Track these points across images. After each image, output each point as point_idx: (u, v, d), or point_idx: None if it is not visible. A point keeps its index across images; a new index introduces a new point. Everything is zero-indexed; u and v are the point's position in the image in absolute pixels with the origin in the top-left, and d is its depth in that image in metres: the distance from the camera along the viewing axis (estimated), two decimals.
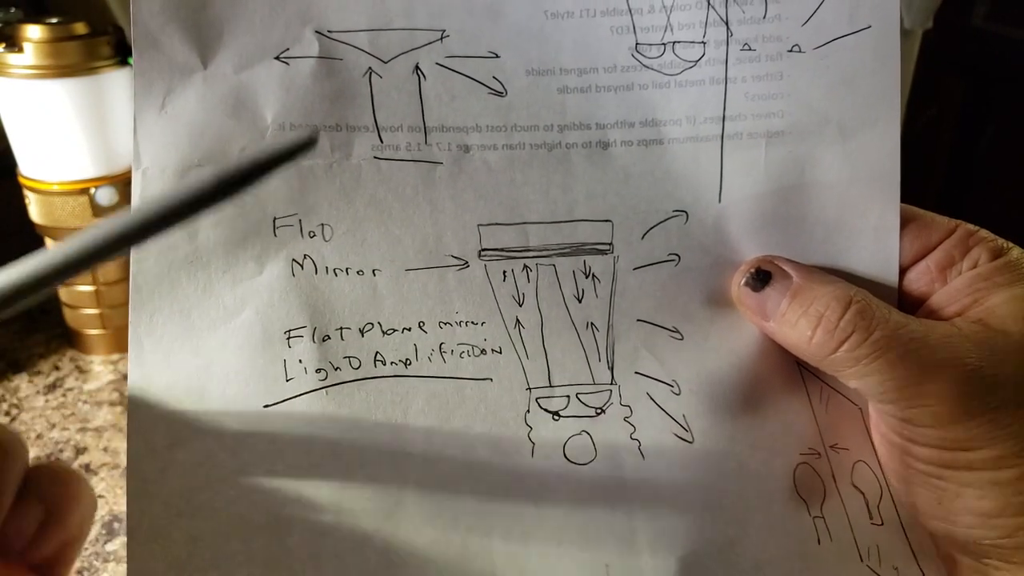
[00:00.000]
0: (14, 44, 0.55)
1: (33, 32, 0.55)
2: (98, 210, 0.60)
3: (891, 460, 0.29)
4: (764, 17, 0.29)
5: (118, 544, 0.48)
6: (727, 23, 0.29)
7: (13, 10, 0.64)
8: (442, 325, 0.30)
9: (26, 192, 0.61)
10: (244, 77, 0.29)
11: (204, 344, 0.29)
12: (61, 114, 0.57)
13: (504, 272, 0.30)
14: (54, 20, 0.56)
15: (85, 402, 0.61)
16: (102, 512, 0.50)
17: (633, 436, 0.30)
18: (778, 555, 0.29)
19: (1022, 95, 0.89)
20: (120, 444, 0.56)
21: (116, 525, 0.49)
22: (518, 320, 0.30)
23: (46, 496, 0.24)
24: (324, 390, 0.29)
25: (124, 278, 0.62)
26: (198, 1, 0.28)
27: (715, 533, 0.29)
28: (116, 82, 0.58)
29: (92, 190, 0.60)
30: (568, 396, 0.30)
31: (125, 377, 0.63)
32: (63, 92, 0.56)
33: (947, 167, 0.98)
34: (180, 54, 0.29)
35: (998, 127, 0.92)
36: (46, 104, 0.57)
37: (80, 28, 0.57)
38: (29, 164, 0.60)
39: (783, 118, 0.30)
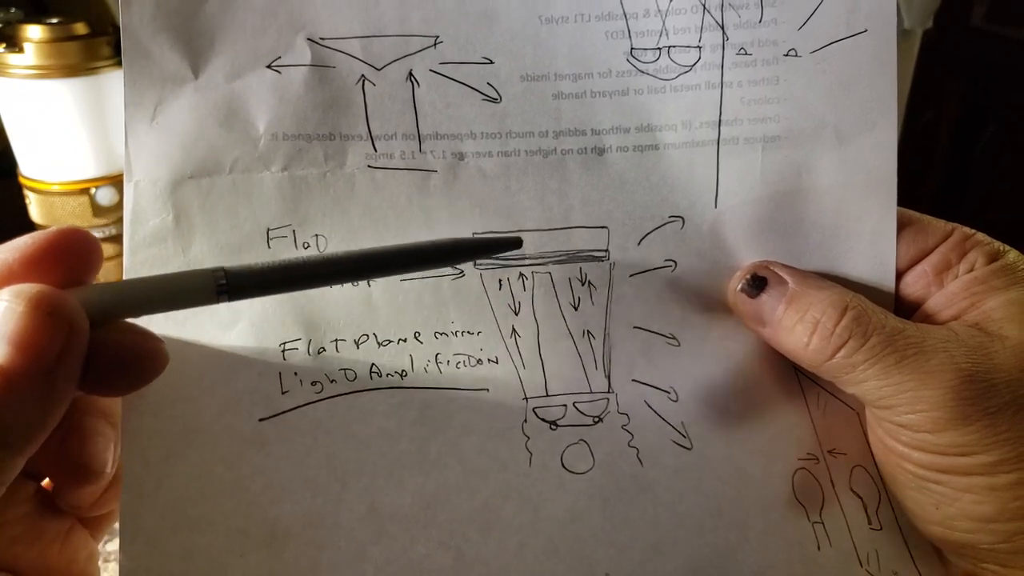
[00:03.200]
0: (14, 44, 0.55)
1: (33, 32, 0.55)
2: (98, 210, 0.60)
3: (888, 465, 0.29)
4: (760, 21, 0.29)
5: (118, 544, 0.48)
6: (723, 27, 0.29)
7: (13, 10, 0.64)
8: (437, 335, 0.30)
9: (26, 192, 0.61)
10: (236, 86, 0.29)
11: (199, 357, 0.29)
12: (61, 114, 0.57)
13: (500, 281, 0.30)
14: (54, 20, 0.56)
15: None
16: None
17: (631, 444, 0.30)
18: (778, 561, 0.29)
19: (1022, 95, 0.88)
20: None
21: (117, 525, 0.49)
22: (514, 329, 0.30)
23: None
24: (320, 402, 0.29)
25: None
26: (189, 9, 0.28)
27: (715, 540, 0.29)
28: (116, 82, 0.58)
29: (92, 190, 0.60)
30: (565, 405, 0.30)
31: None
32: (63, 92, 0.56)
33: (945, 167, 0.97)
34: (171, 63, 0.28)
35: (997, 127, 0.91)
36: (46, 104, 0.57)
37: (80, 28, 0.57)
38: (29, 164, 0.60)
39: (779, 123, 0.30)
